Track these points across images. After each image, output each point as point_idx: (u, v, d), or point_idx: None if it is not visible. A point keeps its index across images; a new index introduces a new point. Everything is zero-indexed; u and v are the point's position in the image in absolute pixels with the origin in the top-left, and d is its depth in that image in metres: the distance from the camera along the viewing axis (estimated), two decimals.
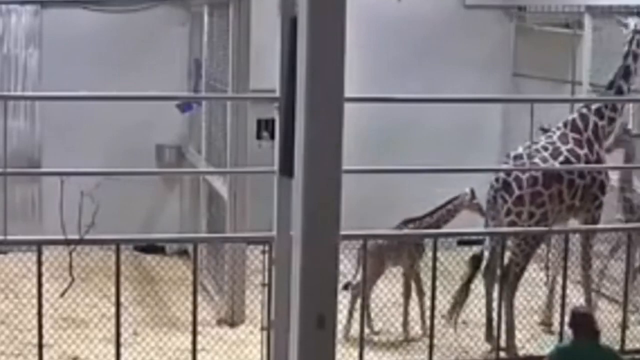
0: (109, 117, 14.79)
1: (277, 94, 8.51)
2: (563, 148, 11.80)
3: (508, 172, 11.52)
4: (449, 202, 12.12)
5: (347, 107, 6.21)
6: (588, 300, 12.21)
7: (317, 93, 6.06)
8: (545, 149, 11.76)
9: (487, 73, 16.08)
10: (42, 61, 15.48)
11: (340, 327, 11.15)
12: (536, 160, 11.55)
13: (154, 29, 15.59)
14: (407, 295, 11.98)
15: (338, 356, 7.49)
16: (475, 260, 11.81)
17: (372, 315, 11.98)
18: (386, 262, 11.83)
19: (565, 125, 12.05)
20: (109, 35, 15.33)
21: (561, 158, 11.70)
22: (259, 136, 14.97)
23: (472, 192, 12.04)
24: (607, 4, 14.13)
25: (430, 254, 11.21)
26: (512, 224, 11.43)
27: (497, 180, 11.54)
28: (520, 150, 11.74)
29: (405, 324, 11.97)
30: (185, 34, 15.76)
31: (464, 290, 11.77)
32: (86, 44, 15.26)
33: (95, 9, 15.48)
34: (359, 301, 11.54)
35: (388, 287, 12.03)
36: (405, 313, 11.98)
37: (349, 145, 6.41)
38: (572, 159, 11.75)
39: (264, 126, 14.80)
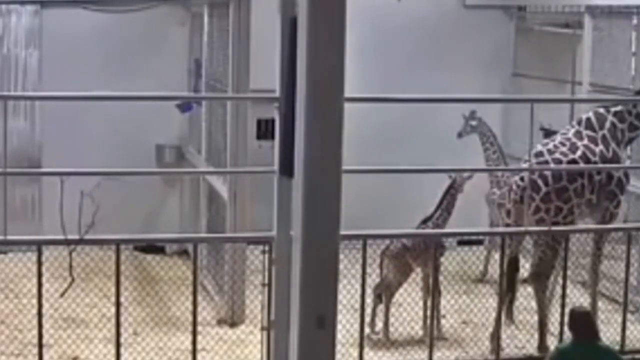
0: (109, 117, 14.80)
1: (277, 94, 8.50)
2: (579, 143, 11.84)
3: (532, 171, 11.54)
4: (449, 187, 12.17)
5: (347, 107, 6.21)
6: (593, 302, 12.15)
7: (317, 93, 6.05)
8: (563, 144, 11.82)
9: (487, 73, 16.08)
10: (42, 61, 15.49)
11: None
12: (557, 155, 11.63)
13: (154, 29, 15.58)
14: (426, 296, 11.88)
15: (338, 356, 7.49)
16: (514, 262, 11.73)
17: (378, 315, 11.97)
18: (412, 264, 11.82)
19: (579, 123, 12.13)
20: (109, 35, 15.33)
21: (579, 152, 11.76)
22: (259, 136, 14.98)
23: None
24: (607, 4, 14.13)
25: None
26: (541, 220, 11.44)
27: (522, 179, 11.54)
28: (539, 147, 11.77)
29: (430, 322, 11.84)
30: (185, 34, 15.76)
31: (512, 293, 11.72)
32: (86, 44, 15.27)
33: (95, 9, 15.48)
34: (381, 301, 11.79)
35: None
36: (433, 313, 11.78)
37: (349, 145, 6.41)
38: (589, 154, 11.80)
39: (264, 126, 14.80)
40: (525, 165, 11.62)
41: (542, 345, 11.57)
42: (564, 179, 11.53)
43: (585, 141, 11.87)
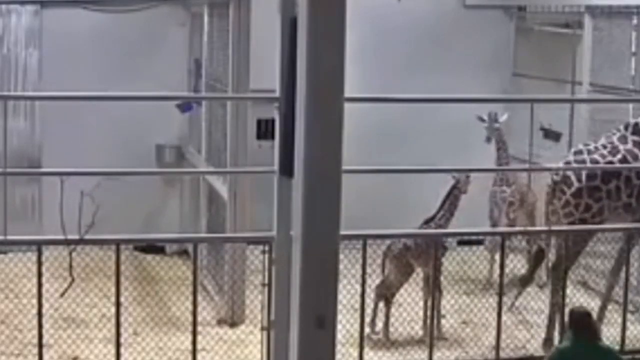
0: (109, 117, 14.80)
1: (277, 94, 8.51)
2: (621, 147, 11.84)
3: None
4: (453, 188, 12.18)
5: (347, 107, 6.21)
6: (603, 304, 12.11)
7: (317, 93, 6.05)
8: (604, 147, 11.85)
9: (487, 73, 16.08)
10: (42, 61, 15.49)
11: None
12: (595, 156, 11.68)
13: (154, 29, 15.58)
14: (427, 296, 11.87)
15: (338, 356, 7.48)
16: (540, 254, 11.78)
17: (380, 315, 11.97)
18: (414, 264, 11.82)
19: (625, 127, 12.09)
20: (109, 35, 15.32)
21: (619, 156, 11.76)
22: (259, 136, 14.98)
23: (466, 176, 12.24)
24: (607, 4, 14.13)
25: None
26: (569, 215, 11.52)
27: (557, 174, 11.62)
28: (580, 146, 11.82)
29: (430, 322, 11.81)
30: (185, 34, 15.76)
31: (528, 280, 11.86)
32: (86, 44, 15.27)
33: (95, 9, 15.47)
34: (382, 301, 11.78)
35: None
36: (433, 313, 11.75)
37: (349, 145, 6.41)
38: (629, 158, 11.79)
39: (264, 126, 14.81)
40: (561, 164, 11.67)
41: (547, 340, 11.55)
42: (598, 178, 11.57)
43: (629, 145, 11.87)
